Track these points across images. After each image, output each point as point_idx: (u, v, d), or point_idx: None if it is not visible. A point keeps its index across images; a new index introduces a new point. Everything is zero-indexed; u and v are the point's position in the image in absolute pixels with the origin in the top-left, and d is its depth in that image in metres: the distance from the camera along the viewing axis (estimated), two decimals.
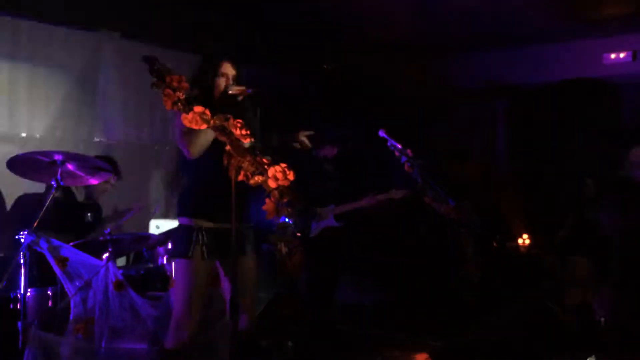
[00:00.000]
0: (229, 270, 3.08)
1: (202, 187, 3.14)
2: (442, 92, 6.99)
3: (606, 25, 6.19)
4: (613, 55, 6.49)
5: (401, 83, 6.85)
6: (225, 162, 2.43)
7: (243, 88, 3.04)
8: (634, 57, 6.44)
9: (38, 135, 4.82)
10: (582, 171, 6.52)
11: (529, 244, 6.46)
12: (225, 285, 3.24)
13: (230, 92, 3.07)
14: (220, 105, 2.96)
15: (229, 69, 3.17)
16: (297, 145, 3.47)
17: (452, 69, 7.10)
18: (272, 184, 2.41)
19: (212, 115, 2.52)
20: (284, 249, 2.29)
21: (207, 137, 2.90)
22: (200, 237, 3.08)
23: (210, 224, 3.11)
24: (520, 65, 6.93)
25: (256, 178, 2.43)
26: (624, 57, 6.45)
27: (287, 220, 2.48)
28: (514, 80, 6.93)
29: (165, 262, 4.50)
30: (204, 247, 3.08)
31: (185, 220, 3.15)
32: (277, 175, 2.40)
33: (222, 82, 3.14)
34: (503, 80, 6.94)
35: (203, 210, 3.12)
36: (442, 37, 6.61)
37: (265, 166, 2.42)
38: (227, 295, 3.20)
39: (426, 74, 6.98)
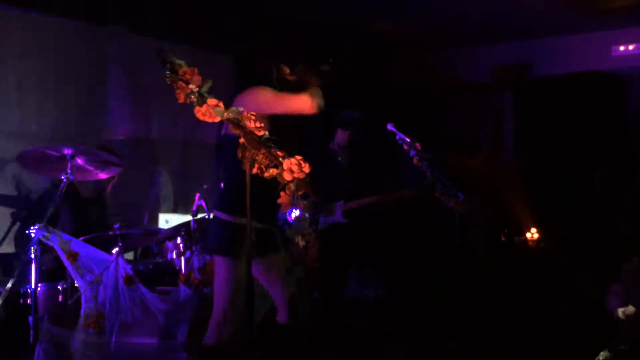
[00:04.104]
0: (266, 268, 3.10)
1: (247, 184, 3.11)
2: (449, 86, 6.97)
3: (615, 18, 6.15)
4: (622, 48, 6.46)
5: (408, 77, 6.83)
6: (240, 155, 2.42)
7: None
8: None
9: (48, 130, 4.82)
10: (590, 165, 6.52)
11: (538, 238, 6.45)
12: (264, 282, 3.26)
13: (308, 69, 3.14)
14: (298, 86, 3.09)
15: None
16: None
17: (460, 62, 7.08)
18: (287, 176, 2.40)
19: None
20: (302, 243, 2.28)
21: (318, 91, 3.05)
22: (244, 235, 2.96)
23: (253, 223, 3.00)
24: (529, 58, 6.90)
25: (271, 171, 2.42)
26: (633, 50, 6.42)
27: (304, 213, 2.47)
28: (522, 74, 6.89)
29: (175, 257, 4.49)
30: (250, 247, 3.00)
31: (231, 218, 3.06)
32: (293, 167, 2.38)
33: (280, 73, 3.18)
34: (511, 73, 6.91)
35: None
36: (449, 30, 6.58)
37: (280, 159, 2.41)
38: (273, 293, 3.23)
39: (433, 68, 6.96)
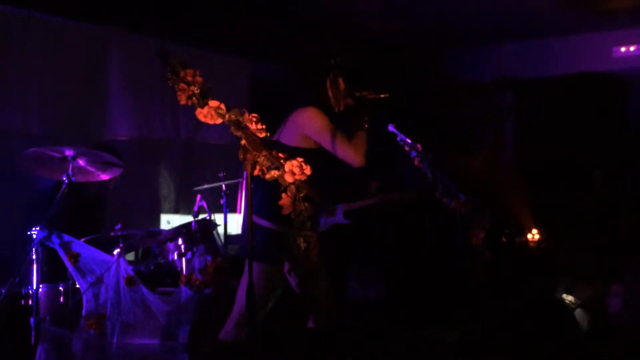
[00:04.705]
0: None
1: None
2: (450, 86, 6.96)
3: (616, 18, 6.15)
4: (623, 49, 6.45)
5: (410, 77, 6.83)
6: (241, 157, 2.42)
7: (373, 92, 3.20)
8: None
9: (49, 131, 4.82)
10: (591, 165, 6.52)
11: (539, 239, 6.45)
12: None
13: (369, 96, 3.18)
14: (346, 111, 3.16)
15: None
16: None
17: (461, 62, 7.07)
18: (288, 178, 2.40)
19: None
20: (303, 244, 2.28)
21: (366, 141, 3.09)
22: (283, 244, 3.01)
23: (291, 231, 3.01)
24: (530, 59, 6.90)
25: (272, 172, 2.42)
26: (634, 51, 6.41)
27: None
28: (523, 74, 6.89)
29: (176, 258, 4.49)
30: (285, 254, 3.04)
31: (272, 226, 3.08)
32: (294, 169, 2.38)
33: (338, 90, 3.21)
34: (512, 74, 6.91)
35: (288, 217, 2.98)
36: (451, 31, 6.58)
37: (282, 161, 2.41)
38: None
39: (435, 68, 6.96)
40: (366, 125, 3.20)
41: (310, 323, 3.24)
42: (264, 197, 3.15)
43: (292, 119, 3.10)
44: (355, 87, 3.22)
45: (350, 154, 3.06)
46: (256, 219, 3.13)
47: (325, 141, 3.05)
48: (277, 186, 3.07)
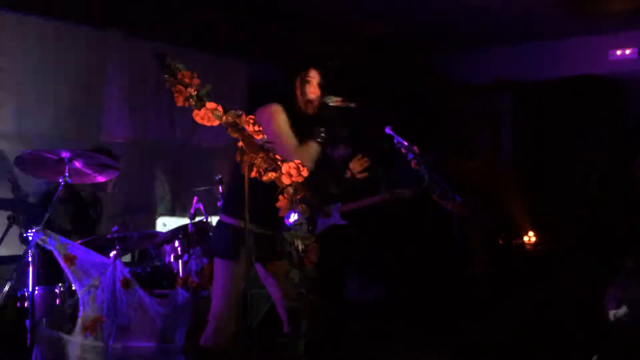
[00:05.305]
0: (269, 273, 3.10)
1: (253, 189, 3.09)
2: (447, 89, 6.98)
3: (612, 22, 6.17)
4: (619, 52, 6.48)
5: (407, 80, 6.84)
6: (238, 158, 2.42)
7: (340, 99, 3.05)
8: None
9: (45, 133, 4.81)
10: (587, 168, 6.53)
11: (535, 242, 6.47)
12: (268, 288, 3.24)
13: (331, 103, 3.06)
14: (313, 115, 3.05)
15: (316, 76, 3.13)
16: None
17: (458, 65, 7.09)
18: (286, 180, 2.40)
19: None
20: (301, 246, 2.28)
21: (315, 153, 2.95)
22: (247, 239, 2.98)
23: (256, 228, 3.03)
24: (526, 62, 6.92)
25: (269, 174, 2.42)
26: (629, 54, 6.44)
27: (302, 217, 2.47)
28: (520, 77, 6.91)
29: (172, 260, 4.49)
30: (250, 250, 2.99)
31: (232, 221, 3.09)
32: (291, 171, 2.38)
33: (309, 90, 3.11)
34: (508, 77, 6.93)
35: (251, 213, 3.00)
36: (448, 34, 6.59)
37: (279, 162, 2.41)
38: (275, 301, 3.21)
39: (432, 71, 6.97)
40: (320, 135, 3.03)
41: (285, 328, 3.20)
42: (227, 195, 3.16)
43: (257, 118, 3.03)
44: (330, 92, 3.10)
45: (299, 156, 2.90)
46: (220, 216, 3.14)
47: (275, 142, 2.90)
48: (238, 184, 3.07)
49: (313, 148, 3.01)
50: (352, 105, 3.09)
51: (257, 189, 2.84)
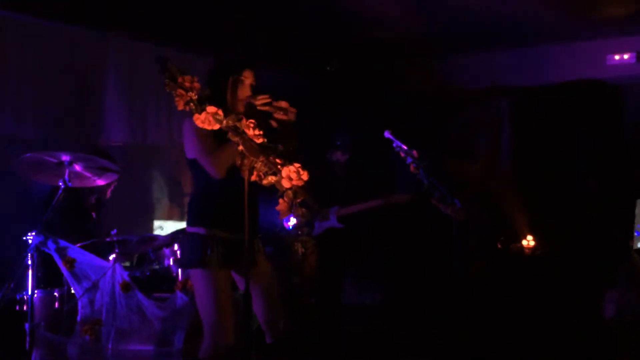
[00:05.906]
0: (245, 281, 3.05)
1: (216, 196, 3.02)
2: (446, 93, 6.98)
3: (610, 27, 6.19)
4: (617, 57, 6.49)
5: (405, 84, 6.85)
6: (239, 162, 2.43)
7: (266, 96, 2.92)
8: (638, 58, 6.44)
9: (45, 136, 4.81)
10: (585, 173, 6.55)
11: (534, 246, 6.48)
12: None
13: (256, 103, 2.91)
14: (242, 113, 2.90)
15: (249, 77, 3.06)
16: None
17: (456, 69, 7.10)
18: (286, 183, 2.41)
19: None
20: (301, 250, 2.28)
21: (233, 155, 2.74)
22: (214, 246, 2.96)
23: (223, 234, 2.99)
24: (524, 66, 6.93)
25: (269, 178, 2.43)
26: (627, 59, 6.45)
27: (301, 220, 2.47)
28: (519, 81, 6.92)
29: (172, 263, 4.49)
30: (219, 256, 2.96)
31: (198, 230, 3.02)
32: (291, 175, 2.39)
33: (242, 90, 3.03)
34: (507, 81, 6.94)
35: (217, 220, 3.00)
36: (446, 38, 6.61)
37: (279, 166, 2.42)
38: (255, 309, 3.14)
39: (430, 75, 6.98)
40: (244, 120, 2.77)
41: (267, 339, 3.16)
42: (189, 205, 3.15)
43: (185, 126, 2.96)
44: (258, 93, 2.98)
45: (207, 164, 2.89)
46: (187, 228, 3.09)
47: (193, 149, 2.93)
48: (199, 192, 3.07)
49: (230, 149, 2.78)
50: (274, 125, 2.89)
51: (229, 195, 2.82)
